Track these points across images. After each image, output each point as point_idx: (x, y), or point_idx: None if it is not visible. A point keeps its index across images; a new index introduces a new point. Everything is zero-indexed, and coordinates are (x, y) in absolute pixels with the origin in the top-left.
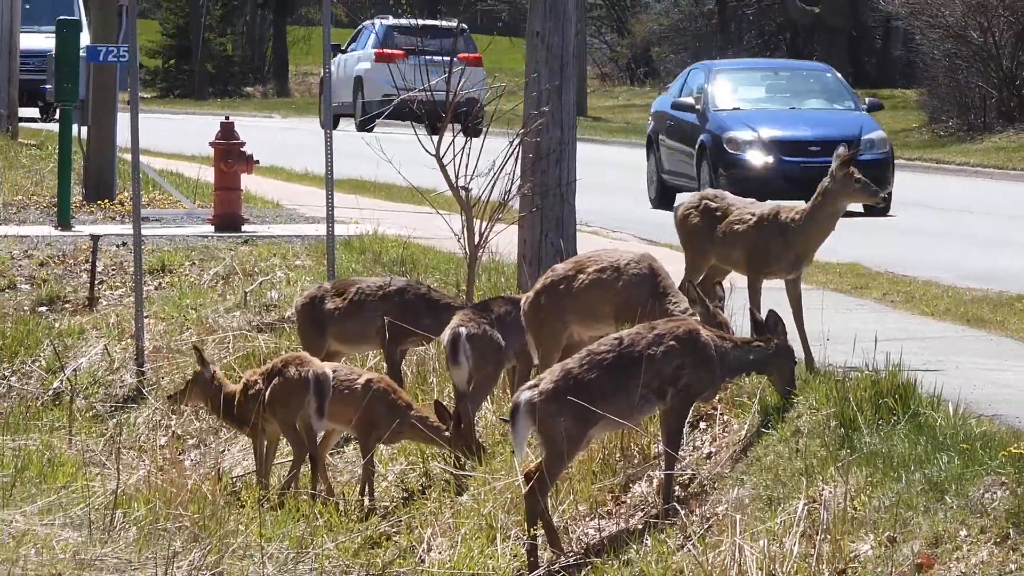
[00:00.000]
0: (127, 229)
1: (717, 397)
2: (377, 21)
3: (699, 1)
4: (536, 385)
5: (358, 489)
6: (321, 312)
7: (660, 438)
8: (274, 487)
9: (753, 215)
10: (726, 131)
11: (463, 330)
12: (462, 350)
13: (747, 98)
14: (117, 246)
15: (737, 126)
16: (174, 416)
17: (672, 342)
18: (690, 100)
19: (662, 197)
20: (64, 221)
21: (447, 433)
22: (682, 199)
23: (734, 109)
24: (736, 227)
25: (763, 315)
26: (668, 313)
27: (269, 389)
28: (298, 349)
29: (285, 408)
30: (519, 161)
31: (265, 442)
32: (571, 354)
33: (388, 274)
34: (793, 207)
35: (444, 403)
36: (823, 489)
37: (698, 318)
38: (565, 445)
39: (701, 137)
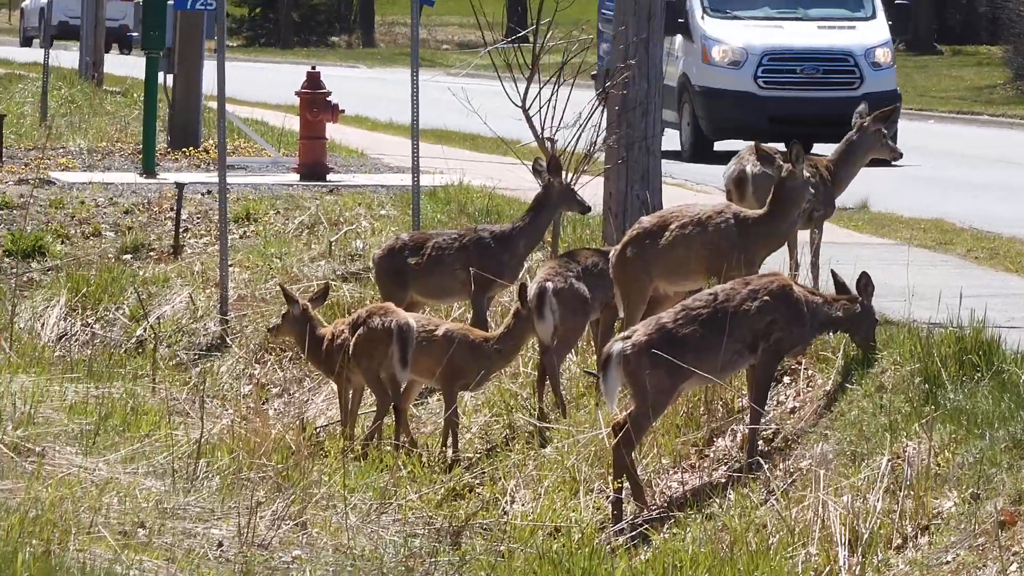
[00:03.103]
0: (212, 177)
1: None
2: None
3: None
4: (629, 337)
5: (441, 440)
6: (400, 263)
7: (745, 392)
8: (358, 437)
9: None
10: None
11: (549, 284)
12: (548, 304)
13: None
14: (202, 194)
15: None
16: (258, 365)
17: (766, 297)
18: None
19: None
20: (149, 168)
21: (522, 321)
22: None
23: None
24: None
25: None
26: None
27: (354, 339)
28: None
29: (369, 358)
30: (605, 113)
31: (350, 392)
32: (657, 308)
33: (472, 224)
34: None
35: (527, 352)
36: (907, 445)
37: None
38: (655, 398)
39: None
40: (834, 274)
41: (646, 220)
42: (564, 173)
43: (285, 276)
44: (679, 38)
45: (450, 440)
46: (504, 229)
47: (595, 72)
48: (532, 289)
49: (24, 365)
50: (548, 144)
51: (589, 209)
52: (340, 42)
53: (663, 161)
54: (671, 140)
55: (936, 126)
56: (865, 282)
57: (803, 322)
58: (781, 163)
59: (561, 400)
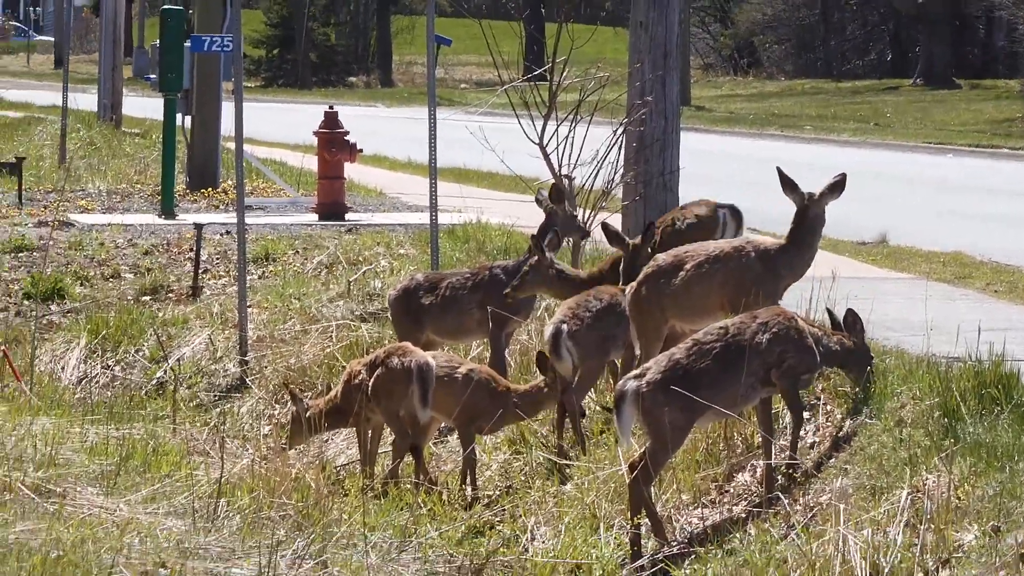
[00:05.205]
0: (231, 218)
1: (820, 387)
2: None
3: None
4: (642, 375)
5: (460, 478)
6: (415, 303)
7: (761, 427)
8: (378, 476)
9: None
10: None
11: (564, 327)
12: (564, 346)
13: None
14: (221, 235)
15: None
16: (277, 405)
17: (776, 328)
18: None
19: None
20: (168, 209)
21: (547, 391)
22: None
23: None
24: None
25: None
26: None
27: (373, 379)
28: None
29: (389, 398)
30: (623, 150)
31: (369, 431)
32: (673, 344)
33: (489, 262)
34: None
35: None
36: (927, 479)
37: None
38: (670, 435)
39: None
40: (829, 312)
41: (661, 258)
42: (580, 209)
43: (304, 317)
44: None
45: (469, 478)
46: (516, 265)
47: None
48: (548, 330)
49: (45, 407)
50: (566, 181)
51: (588, 234)
52: (358, 82)
53: None
54: None
55: (954, 160)
56: (852, 319)
57: (812, 351)
58: (803, 191)
59: (581, 437)
